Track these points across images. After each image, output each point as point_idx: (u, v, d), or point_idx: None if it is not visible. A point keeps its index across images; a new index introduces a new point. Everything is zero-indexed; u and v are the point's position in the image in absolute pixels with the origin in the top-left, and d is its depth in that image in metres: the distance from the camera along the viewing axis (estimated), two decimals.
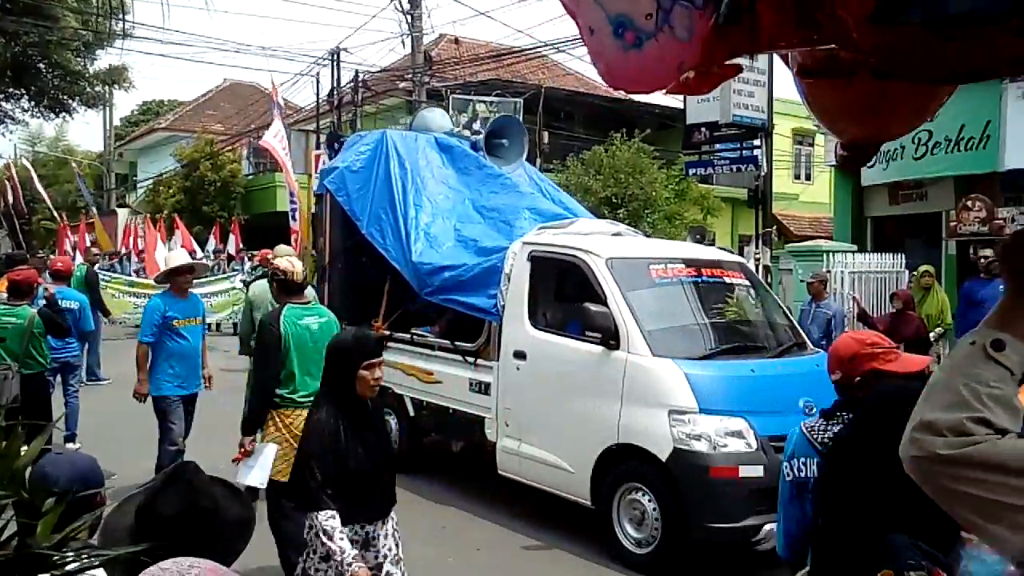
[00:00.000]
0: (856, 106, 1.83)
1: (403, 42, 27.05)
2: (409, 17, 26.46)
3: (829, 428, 3.45)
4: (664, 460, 6.58)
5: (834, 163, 18.04)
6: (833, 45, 1.59)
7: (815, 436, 3.47)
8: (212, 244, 26.31)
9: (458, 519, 7.99)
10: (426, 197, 9.13)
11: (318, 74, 28.16)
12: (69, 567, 2.00)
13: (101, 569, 2.16)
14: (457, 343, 8.41)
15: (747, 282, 8.16)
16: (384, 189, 9.22)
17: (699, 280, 7.72)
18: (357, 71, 27.42)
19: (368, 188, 9.31)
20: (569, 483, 7.36)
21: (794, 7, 1.50)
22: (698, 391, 6.60)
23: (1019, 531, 1.31)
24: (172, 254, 10.73)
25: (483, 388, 8.13)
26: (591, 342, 7.19)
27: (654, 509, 6.72)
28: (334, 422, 4.05)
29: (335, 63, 27.40)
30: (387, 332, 9.15)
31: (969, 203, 14.64)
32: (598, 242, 7.81)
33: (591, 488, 7.16)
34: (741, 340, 7.51)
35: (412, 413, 8.96)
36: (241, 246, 25.99)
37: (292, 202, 26.07)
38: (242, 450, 6.07)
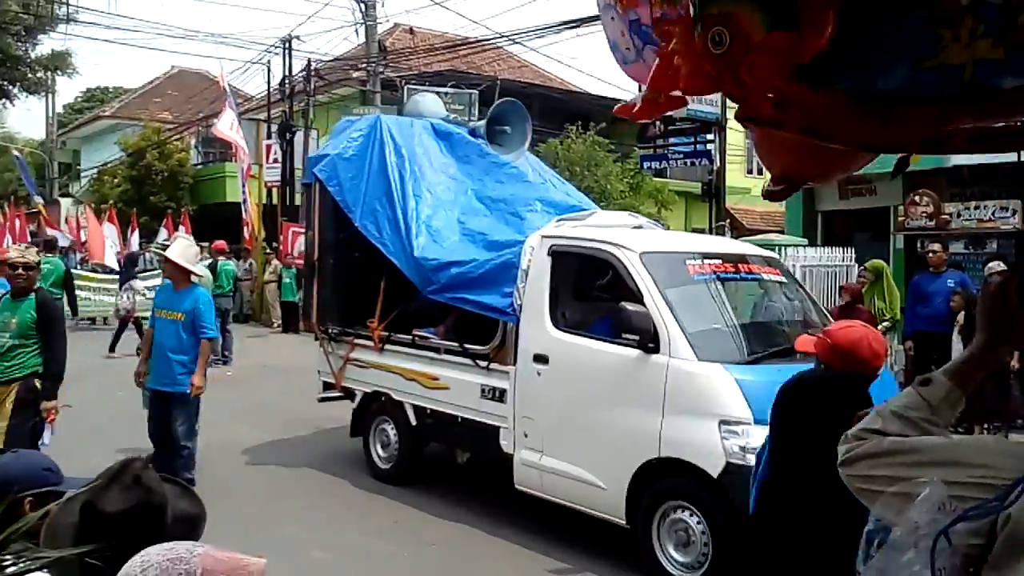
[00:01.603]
0: (784, 150, 1.91)
1: (357, 31, 26.26)
2: (363, 5, 25.55)
3: None
4: (715, 476, 5.78)
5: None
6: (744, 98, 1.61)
7: None
8: (164, 235, 24.90)
9: (412, 516, 7.54)
10: (425, 187, 8.19)
11: (269, 62, 27.05)
12: (8, 570, 1.90)
13: (44, 572, 2.03)
14: (467, 346, 7.50)
15: (783, 278, 7.38)
16: (379, 178, 8.27)
17: (737, 277, 6.91)
18: (309, 60, 26.41)
19: (361, 177, 8.35)
20: (599, 500, 6.53)
21: (709, 66, 1.51)
22: (752, 399, 5.78)
23: (897, 498, 1.50)
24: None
25: (497, 395, 7.24)
26: (626, 345, 6.37)
27: (703, 532, 5.92)
28: None
29: (287, 51, 26.29)
30: (385, 333, 8.21)
31: (917, 198, 14.52)
32: (628, 235, 6.96)
33: (626, 506, 6.34)
34: (787, 342, 6.71)
35: (414, 421, 8.02)
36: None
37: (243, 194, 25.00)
38: None
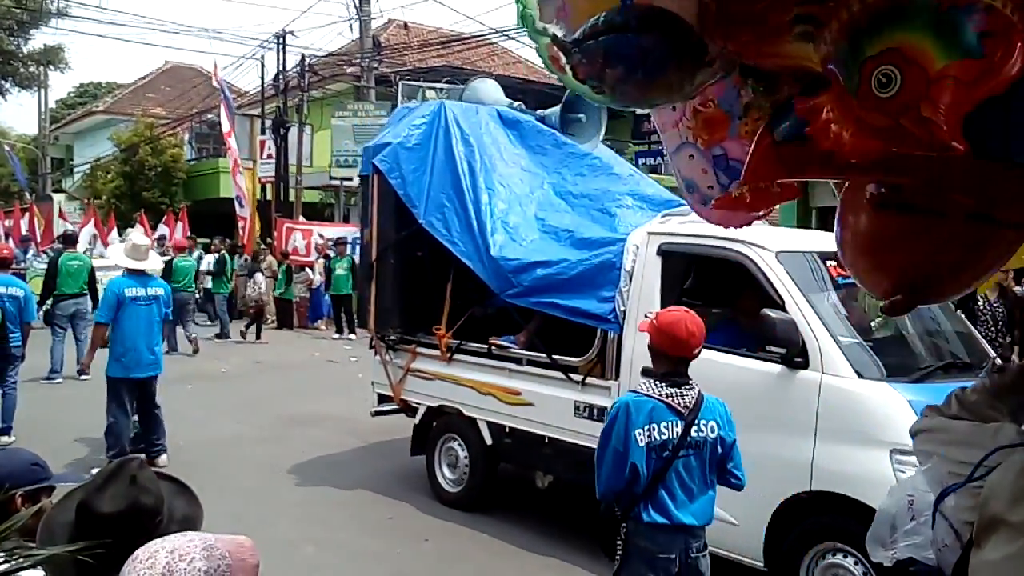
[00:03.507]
0: (911, 245, 1.50)
1: (351, 26, 25.00)
2: (357, 1, 24.23)
3: (686, 394, 3.71)
4: None
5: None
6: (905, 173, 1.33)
7: (675, 401, 3.69)
8: (163, 231, 23.40)
9: (406, 513, 7.04)
10: (498, 180, 6.92)
11: (263, 57, 25.71)
12: (1, 567, 1.80)
13: (39, 569, 1.98)
14: (557, 357, 6.26)
15: None
16: (445, 170, 6.99)
17: None
18: (304, 55, 25.15)
19: (424, 169, 7.06)
20: (730, 538, 5.32)
21: (878, 117, 1.20)
22: None
23: (944, 463, 1.51)
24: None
25: (595, 413, 6.00)
26: (764, 359, 5.19)
27: None
28: None
29: (281, 46, 24.94)
30: (454, 341, 6.95)
31: None
32: (758, 233, 5.76)
33: (765, 546, 5.16)
34: (949, 356, 5.55)
35: (489, 441, 6.75)
36: (189, 233, 23.21)
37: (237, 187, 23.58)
38: None
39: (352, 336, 18.20)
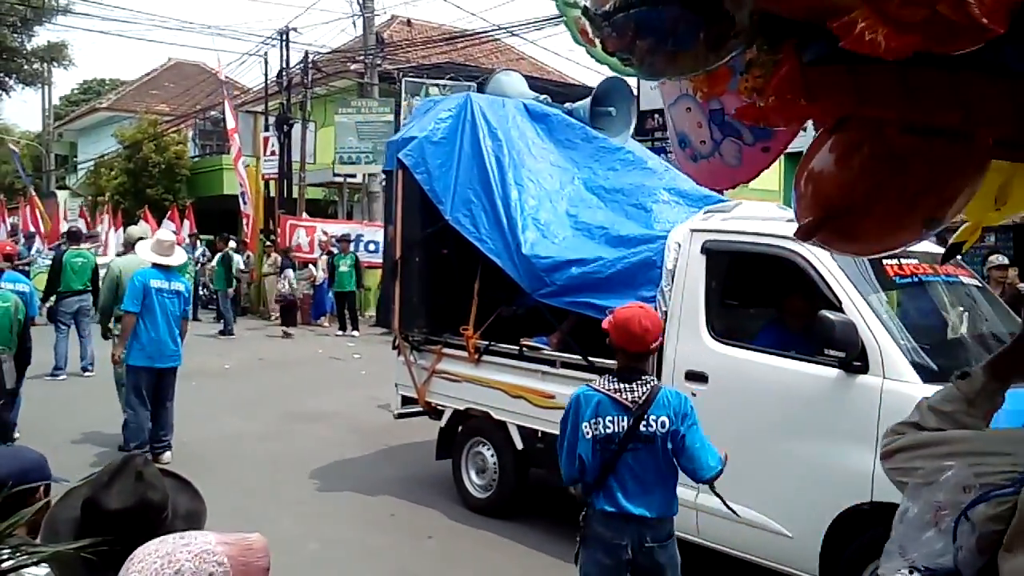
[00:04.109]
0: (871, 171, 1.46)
1: (354, 23, 24.60)
2: None
3: (636, 389, 3.72)
4: None
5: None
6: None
7: (622, 396, 3.71)
8: (170, 227, 22.96)
9: (409, 510, 6.91)
10: (527, 176, 6.53)
11: (266, 54, 25.25)
12: (5, 564, 1.77)
13: (44, 567, 1.97)
14: (594, 359, 5.88)
15: (978, 281, 5.84)
16: (472, 165, 6.60)
17: (939, 279, 5.35)
18: (307, 52, 24.78)
19: (451, 164, 6.67)
20: (782, 551, 4.98)
21: (916, 10, 1.10)
22: None
23: (929, 477, 1.40)
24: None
25: None
26: (820, 363, 4.82)
27: None
28: None
29: (284, 43, 24.50)
30: (482, 342, 6.57)
31: None
32: None
33: (821, 560, 4.80)
34: None
35: (520, 445, 6.37)
36: (195, 230, 22.81)
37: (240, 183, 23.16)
38: None
39: (355, 333, 17.99)
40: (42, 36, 26.70)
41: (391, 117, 22.94)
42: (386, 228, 7.29)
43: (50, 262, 13.55)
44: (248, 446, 8.66)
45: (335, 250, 18.92)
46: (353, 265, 18.32)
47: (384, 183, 7.50)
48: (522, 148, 6.68)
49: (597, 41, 1.48)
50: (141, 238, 9.38)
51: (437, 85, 23.78)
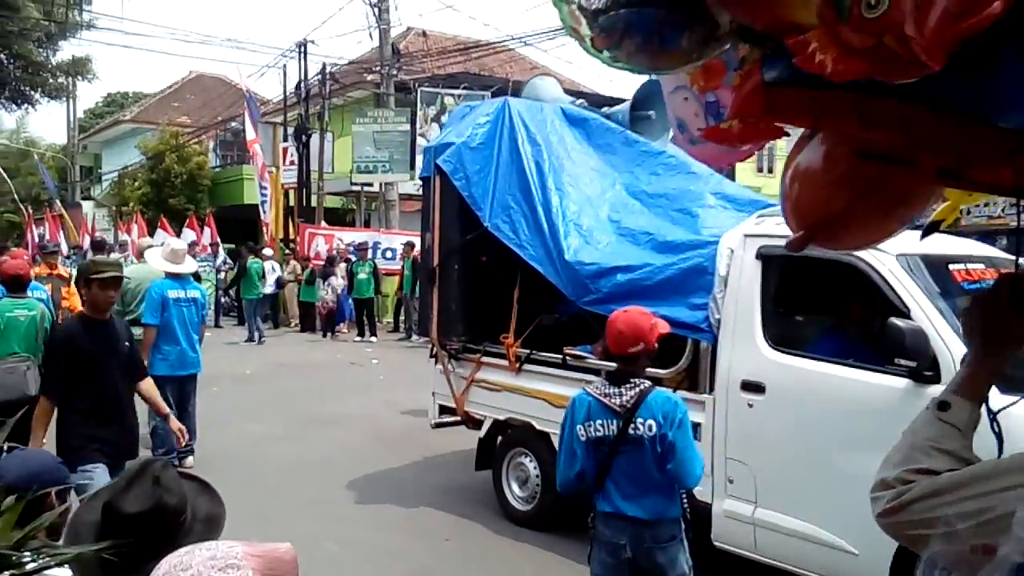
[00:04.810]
0: (846, 189, 1.50)
1: (371, 35, 24.39)
2: (376, 10, 23.63)
3: (625, 392, 3.66)
4: None
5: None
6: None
7: (612, 400, 3.67)
8: (189, 236, 22.72)
9: (426, 511, 6.74)
10: (567, 181, 6.21)
11: (285, 66, 25.06)
12: (28, 567, 1.74)
13: (66, 568, 1.93)
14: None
15: None
16: (511, 171, 6.27)
17: None
18: (324, 63, 24.62)
19: (489, 170, 6.33)
20: (848, 568, 4.62)
21: (861, 38, 1.15)
22: None
23: (953, 540, 1.28)
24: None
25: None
26: (888, 372, 4.47)
27: None
28: None
29: (302, 55, 24.31)
30: (523, 351, 6.24)
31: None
32: None
33: None
34: None
35: None
36: (217, 239, 22.57)
37: (262, 193, 22.94)
38: None
39: (373, 339, 17.86)
40: (67, 51, 26.59)
41: (407, 127, 22.77)
42: (423, 235, 6.95)
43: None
44: (268, 449, 8.53)
45: (353, 258, 18.70)
46: (372, 272, 18.12)
47: (420, 190, 7.12)
48: (561, 153, 6.35)
49: (587, 37, 1.47)
50: (150, 246, 9.34)
51: (452, 95, 23.58)
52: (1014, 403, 1.72)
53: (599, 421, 3.68)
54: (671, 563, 3.71)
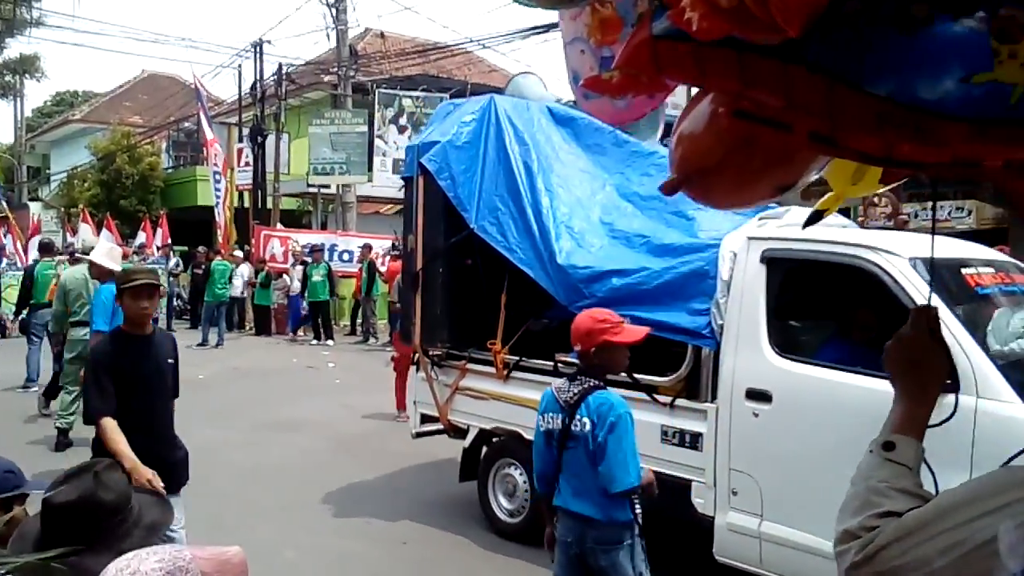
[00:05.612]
0: (727, 145, 1.50)
1: (328, 35, 23.96)
2: (334, 10, 23.19)
3: (571, 389, 3.67)
4: None
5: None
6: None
7: (561, 396, 3.70)
8: (141, 238, 21.95)
9: (386, 516, 6.59)
10: (556, 182, 5.90)
11: (240, 66, 24.42)
12: None
13: None
14: (639, 376, 5.25)
15: None
16: (499, 170, 5.94)
17: (1018, 290, 4.81)
18: (281, 64, 24.08)
19: (474, 170, 5.99)
20: None
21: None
22: None
23: (952, 553, 1.19)
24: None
25: (688, 440, 5.02)
26: None
27: None
28: None
29: (258, 55, 23.71)
30: (511, 357, 5.91)
31: (876, 199, 13.12)
32: (885, 237, 4.82)
33: None
34: None
35: None
36: (168, 240, 21.83)
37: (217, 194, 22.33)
38: None
39: (330, 342, 17.48)
40: (14, 48, 25.57)
41: (364, 128, 22.39)
42: (405, 237, 6.56)
43: (21, 274, 12.70)
44: (225, 456, 8.19)
45: (308, 260, 18.21)
46: (326, 275, 17.68)
47: (404, 190, 6.74)
48: (549, 153, 6.04)
49: None
50: (92, 248, 9.07)
51: (410, 97, 23.21)
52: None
53: (550, 414, 3.74)
54: (613, 567, 3.62)
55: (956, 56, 1.15)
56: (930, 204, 13.27)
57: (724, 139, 1.49)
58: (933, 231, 2.01)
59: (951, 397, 4.08)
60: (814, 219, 2.20)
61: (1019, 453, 1.50)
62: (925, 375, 1.50)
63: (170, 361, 4.50)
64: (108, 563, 1.72)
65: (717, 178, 1.57)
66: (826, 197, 2.09)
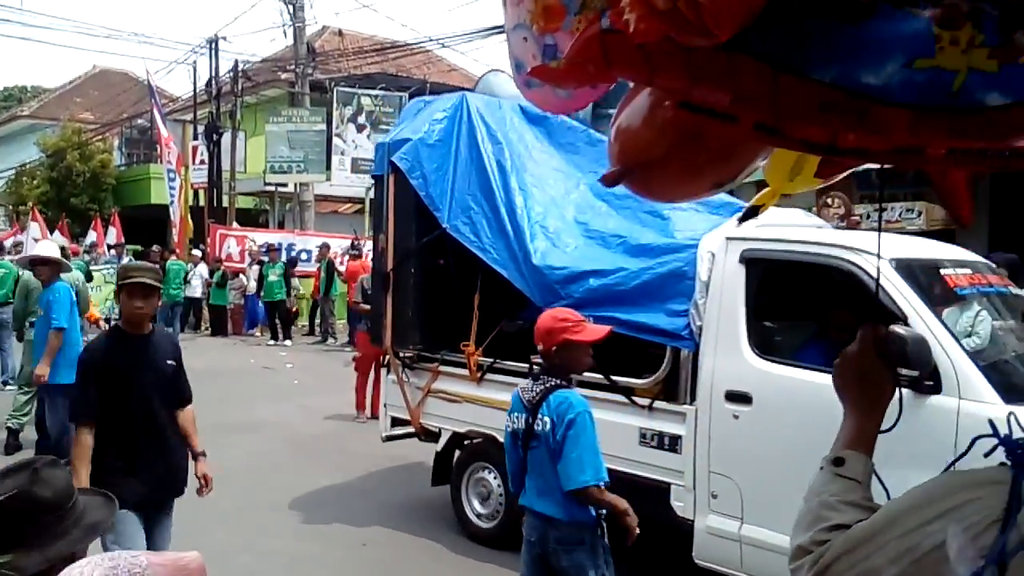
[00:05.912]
0: (668, 134, 1.50)
1: (285, 32, 23.53)
2: (291, 7, 22.84)
3: (534, 388, 3.67)
4: None
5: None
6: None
7: (525, 396, 3.69)
8: (92, 237, 21.39)
9: (344, 518, 6.48)
10: (530, 181, 5.78)
11: (195, 63, 24.05)
12: None
13: None
14: (617, 378, 5.16)
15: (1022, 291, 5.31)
16: (471, 169, 5.81)
17: (995, 291, 4.79)
18: (237, 61, 23.61)
19: (446, 168, 5.86)
20: None
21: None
22: None
23: (905, 559, 1.19)
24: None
25: (667, 443, 4.94)
26: None
27: None
28: None
29: (213, 52, 23.29)
30: (485, 360, 5.78)
31: (829, 200, 13.26)
32: (864, 238, 4.77)
33: None
34: None
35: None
36: (122, 239, 21.31)
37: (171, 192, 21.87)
38: None
39: (287, 342, 17.17)
40: None
41: (323, 126, 22.11)
42: (376, 237, 6.38)
43: None
44: None
45: (264, 259, 17.87)
46: (282, 274, 17.37)
47: (373, 189, 6.56)
48: (522, 152, 5.93)
49: None
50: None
51: (369, 95, 22.93)
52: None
53: (516, 414, 3.73)
54: (575, 567, 3.59)
55: (899, 41, 1.15)
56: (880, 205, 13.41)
57: (668, 132, 1.49)
58: (880, 230, 2.02)
59: (935, 399, 4.10)
60: (750, 215, 2.17)
61: (961, 456, 1.45)
62: (873, 391, 1.51)
63: (170, 362, 4.22)
64: (38, 562, 1.71)
65: (660, 171, 1.57)
66: (762, 192, 2.08)
